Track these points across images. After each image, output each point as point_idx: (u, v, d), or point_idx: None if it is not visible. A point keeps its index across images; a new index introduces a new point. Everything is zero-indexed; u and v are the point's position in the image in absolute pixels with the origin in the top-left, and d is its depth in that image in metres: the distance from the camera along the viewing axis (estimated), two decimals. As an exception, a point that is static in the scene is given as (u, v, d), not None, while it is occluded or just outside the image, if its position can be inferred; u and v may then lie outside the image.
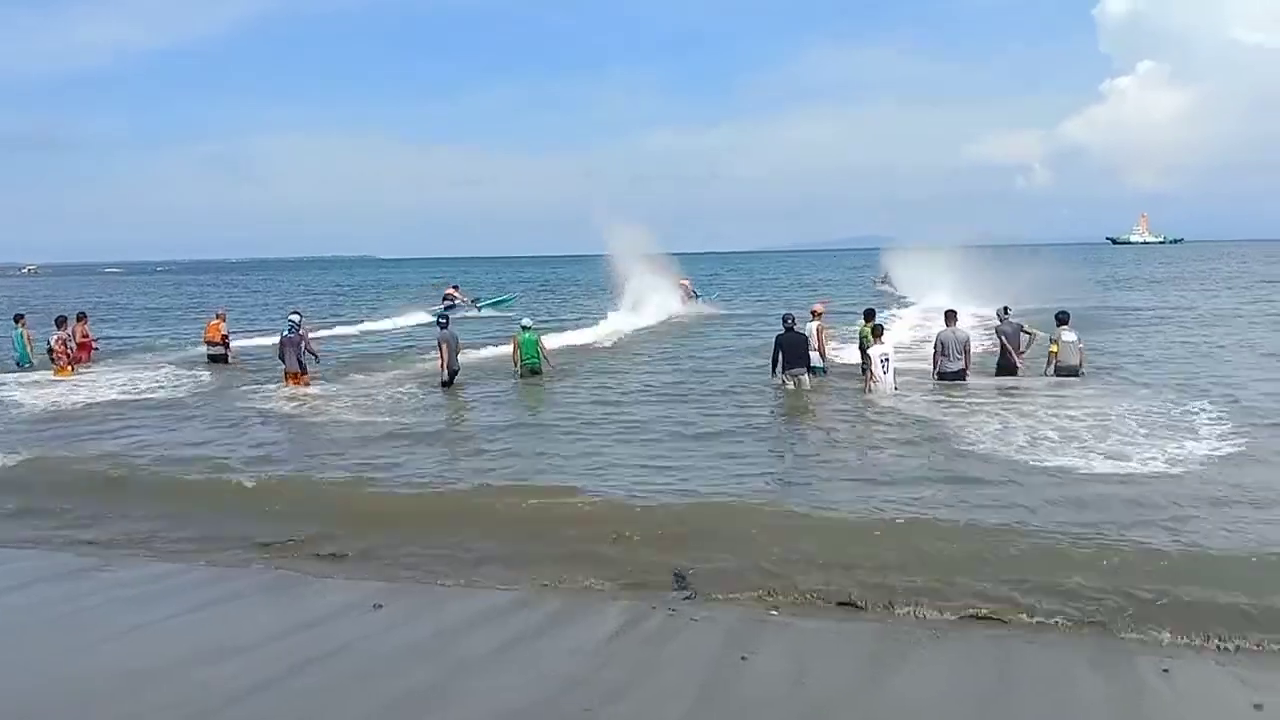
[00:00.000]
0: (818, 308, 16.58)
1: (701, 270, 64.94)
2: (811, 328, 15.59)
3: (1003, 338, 15.29)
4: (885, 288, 41.85)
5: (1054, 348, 14.84)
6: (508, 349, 18.48)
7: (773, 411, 14.00)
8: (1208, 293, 40.56)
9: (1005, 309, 15.82)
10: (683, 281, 35.83)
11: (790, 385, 14.59)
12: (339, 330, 30.23)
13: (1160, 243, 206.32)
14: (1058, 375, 14.68)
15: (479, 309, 37.57)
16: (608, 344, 23.92)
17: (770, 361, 15.11)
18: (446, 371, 16.41)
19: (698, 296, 36.26)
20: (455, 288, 39.74)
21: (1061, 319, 15.06)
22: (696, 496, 9.06)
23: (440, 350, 16.48)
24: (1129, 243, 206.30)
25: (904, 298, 36.45)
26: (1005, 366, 15.25)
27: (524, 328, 17.48)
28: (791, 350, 14.68)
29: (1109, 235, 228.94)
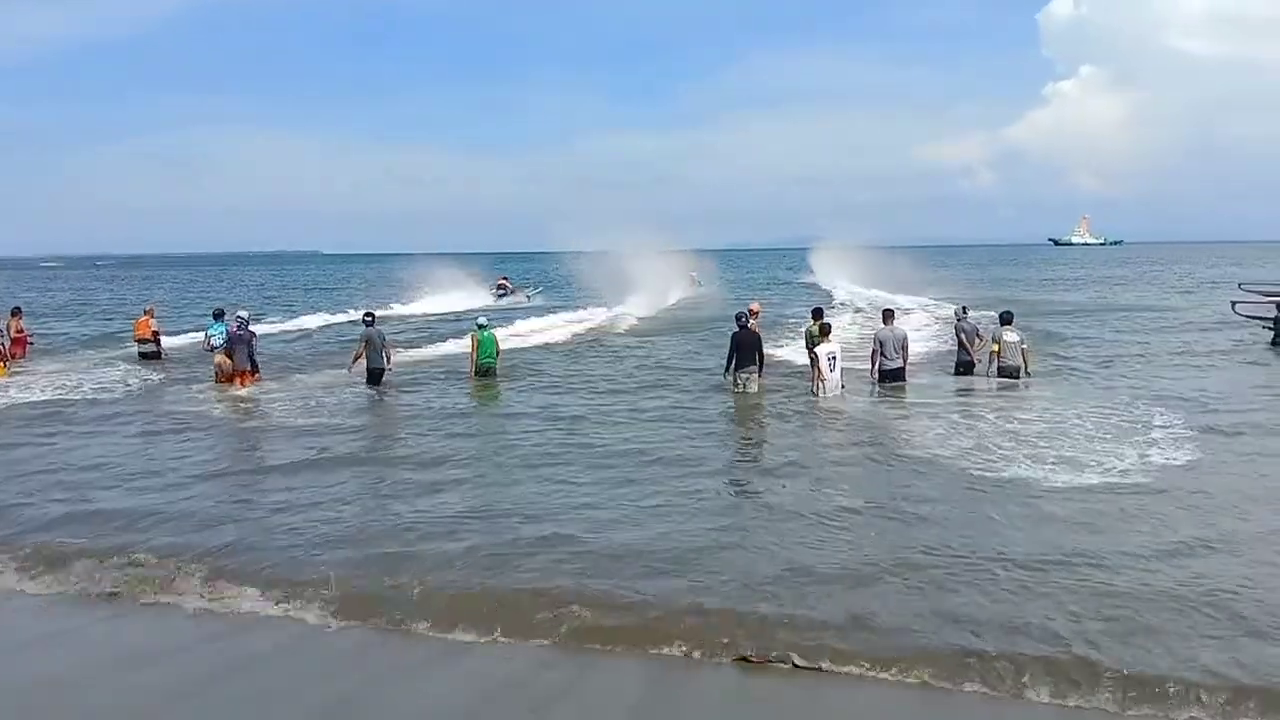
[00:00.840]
0: (754, 307, 16.37)
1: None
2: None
3: (961, 335, 15.84)
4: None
5: (995, 347, 15.10)
6: (447, 348, 18.23)
7: (716, 432, 12.75)
8: (1161, 294, 41.79)
9: (964, 309, 16.30)
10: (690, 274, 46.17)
11: (738, 388, 14.56)
12: (397, 310, 34.80)
13: (1101, 244, 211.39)
14: (1000, 375, 15.01)
15: (529, 298, 41.69)
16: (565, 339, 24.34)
17: (725, 360, 14.95)
18: (368, 370, 15.89)
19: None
20: (506, 278, 44.72)
21: (1005, 319, 15.35)
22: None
23: (361, 348, 15.96)
24: (1070, 244, 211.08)
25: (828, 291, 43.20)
26: (965, 364, 15.70)
27: (481, 326, 16.94)
28: (744, 349, 14.56)
29: (1051, 237, 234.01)
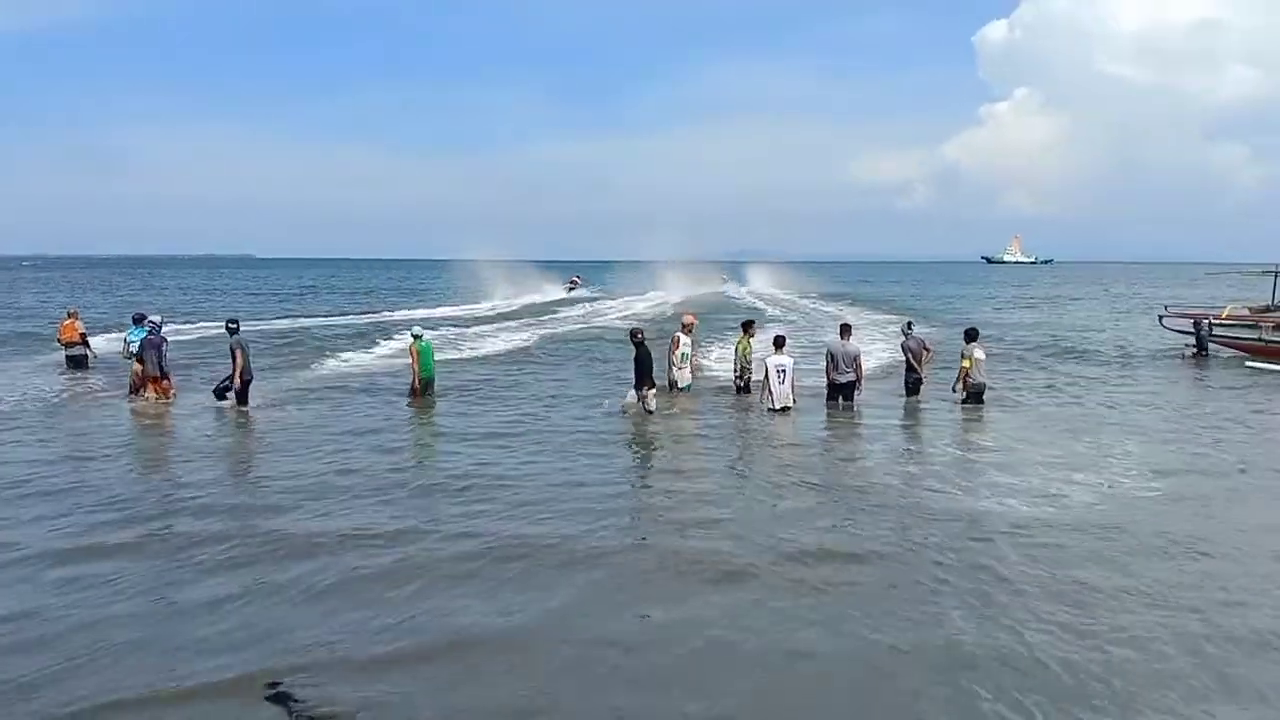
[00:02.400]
0: (688, 319, 16.13)
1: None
2: (684, 340, 15.58)
3: (909, 354, 15.30)
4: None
5: (966, 363, 14.51)
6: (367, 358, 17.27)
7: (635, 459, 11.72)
8: (1098, 312, 42.98)
9: (909, 324, 15.97)
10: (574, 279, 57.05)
11: (639, 406, 13.73)
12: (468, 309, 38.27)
13: (1032, 263, 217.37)
14: (969, 393, 14.50)
15: (590, 291, 55.07)
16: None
17: (635, 379, 13.94)
18: (240, 380, 14.34)
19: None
20: (578, 276, 58.33)
21: (971, 335, 14.80)
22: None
23: (234, 357, 14.33)
24: (1003, 262, 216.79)
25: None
26: (915, 383, 15.20)
27: (417, 336, 15.56)
28: (642, 366, 13.78)
29: (984, 254, 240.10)
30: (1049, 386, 17.65)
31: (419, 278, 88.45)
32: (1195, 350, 22.70)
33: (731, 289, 59.94)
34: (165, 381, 15.21)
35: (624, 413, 13.83)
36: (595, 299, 50.30)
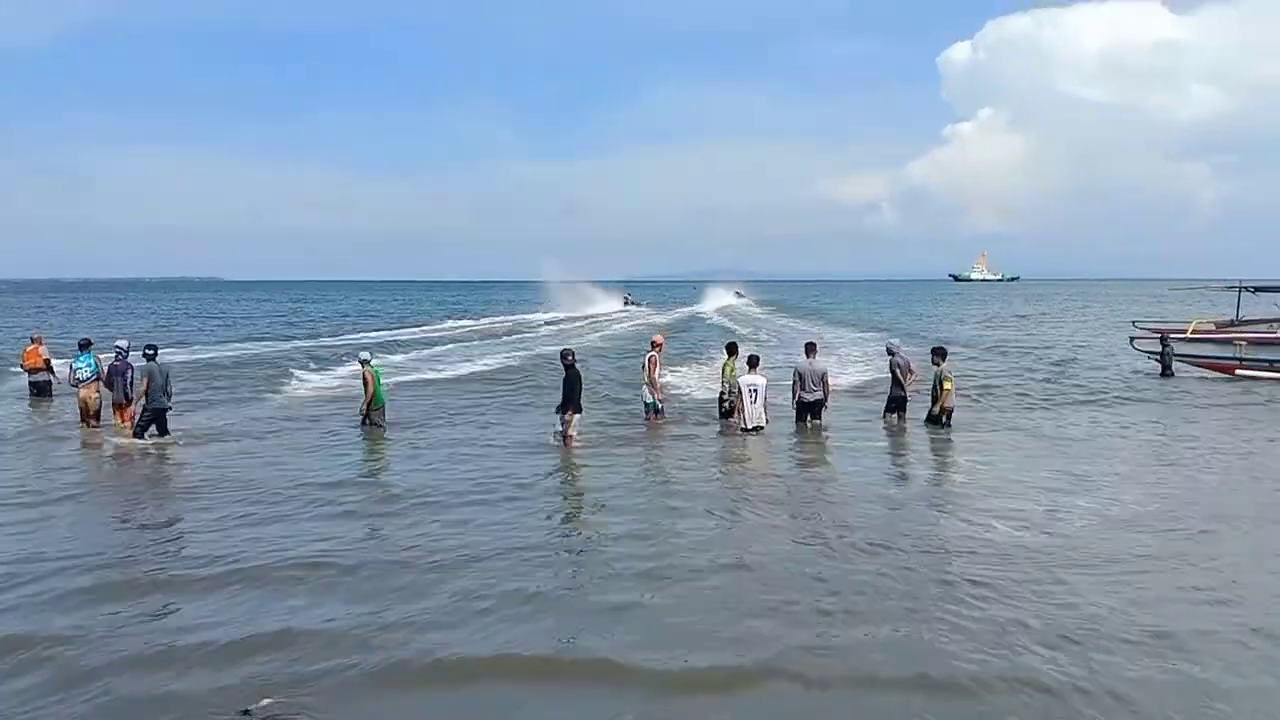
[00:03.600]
0: (657, 339, 15.84)
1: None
2: (646, 360, 15.26)
3: (896, 371, 15.13)
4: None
5: (948, 385, 14.40)
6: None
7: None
8: (1070, 331, 43.11)
9: (896, 342, 16.09)
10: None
11: (563, 430, 13.09)
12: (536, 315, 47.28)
13: (999, 280, 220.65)
14: (945, 414, 14.38)
15: (641, 306, 67.75)
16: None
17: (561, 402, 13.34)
18: (150, 410, 13.63)
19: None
20: (629, 293, 70.41)
21: (941, 354, 14.86)
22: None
23: (143, 385, 13.60)
24: (970, 279, 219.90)
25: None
26: (899, 400, 15.04)
27: (365, 361, 14.86)
28: (569, 389, 13.13)
29: (951, 272, 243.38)
30: (1025, 405, 17.71)
31: (413, 297, 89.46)
32: (1161, 371, 22.20)
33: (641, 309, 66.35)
34: (131, 409, 15.01)
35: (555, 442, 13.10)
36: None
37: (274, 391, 19.99)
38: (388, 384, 16.09)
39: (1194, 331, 24.41)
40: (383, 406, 14.95)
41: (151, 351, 14.45)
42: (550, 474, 11.55)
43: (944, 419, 14.45)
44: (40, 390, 18.75)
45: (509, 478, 11.16)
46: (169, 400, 14.02)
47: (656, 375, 15.34)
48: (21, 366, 19.45)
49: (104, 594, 7.11)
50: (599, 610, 6.69)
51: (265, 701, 5.27)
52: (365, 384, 14.68)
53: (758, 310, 64.24)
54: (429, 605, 6.80)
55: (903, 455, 13.13)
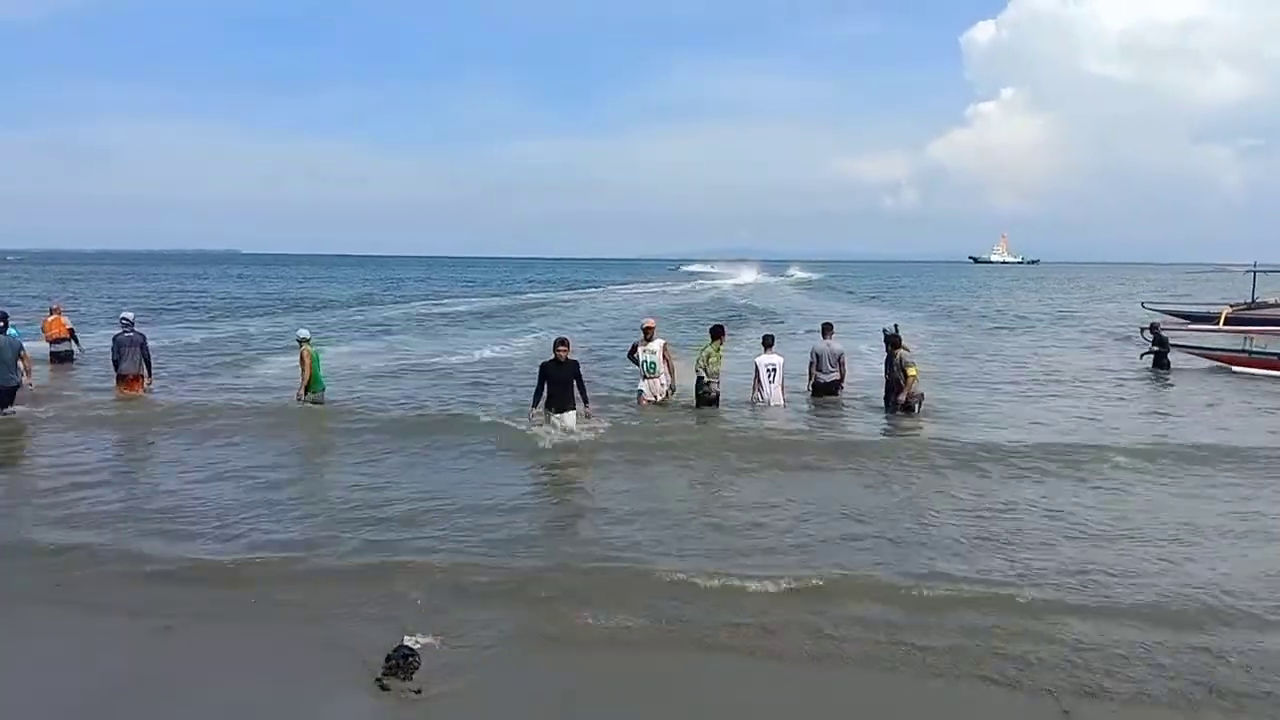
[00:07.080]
0: (648, 323, 14.36)
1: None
2: (656, 346, 13.99)
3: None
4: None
5: (913, 372, 13.32)
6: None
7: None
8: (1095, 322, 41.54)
9: (895, 326, 14.83)
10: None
11: (551, 428, 11.77)
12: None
13: (1019, 262, 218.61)
14: (917, 401, 13.46)
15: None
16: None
17: (534, 393, 12.08)
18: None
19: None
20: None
21: (895, 341, 13.61)
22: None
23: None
24: (990, 262, 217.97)
25: None
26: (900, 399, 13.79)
27: (304, 340, 13.95)
28: (558, 385, 11.90)
29: (971, 254, 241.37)
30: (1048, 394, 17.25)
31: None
32: (1155, 358, 19.49)
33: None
34: (146, 380, 15.10)
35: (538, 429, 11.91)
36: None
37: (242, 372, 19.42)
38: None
39: (1225, 321, 23.87)
40: (322, 389, 14.19)
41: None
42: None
43: (915, 406, 13.39)
44: (61, 358, 19.03)
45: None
46: (26, 375, 13.64)
47: (670, 357, 14.31)
48: (44, 336, 19.57)
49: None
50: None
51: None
52: (303, 364, 13.88)
53: (812, 300, 54.02)
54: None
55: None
